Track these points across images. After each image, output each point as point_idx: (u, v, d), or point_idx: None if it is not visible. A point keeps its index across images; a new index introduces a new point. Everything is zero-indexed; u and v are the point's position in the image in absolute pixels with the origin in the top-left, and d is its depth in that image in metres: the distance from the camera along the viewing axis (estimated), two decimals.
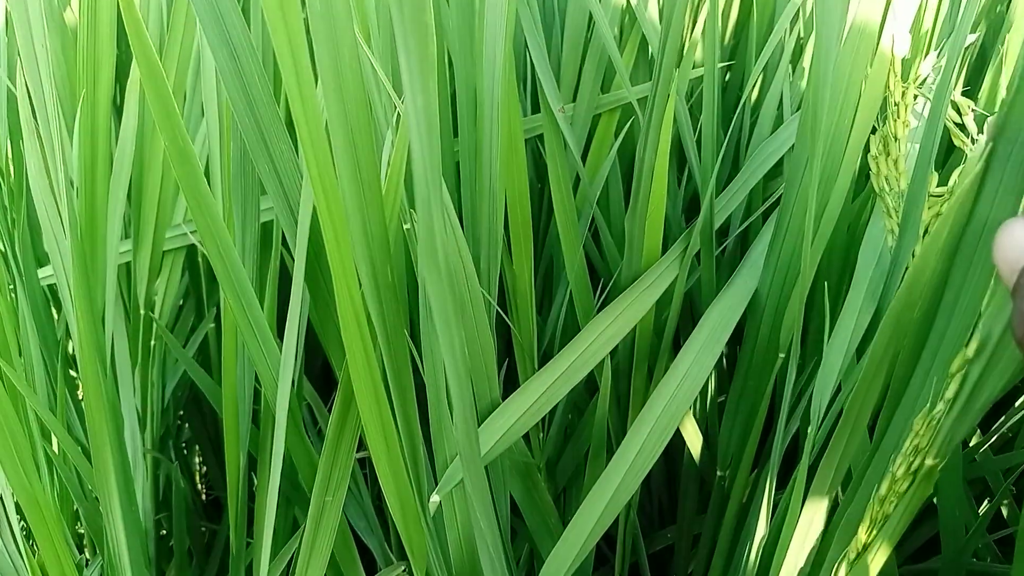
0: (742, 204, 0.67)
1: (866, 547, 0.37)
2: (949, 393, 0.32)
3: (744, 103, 0.75)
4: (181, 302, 0.80)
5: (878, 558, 0.37)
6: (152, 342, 0.70)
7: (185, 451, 0.96)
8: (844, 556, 0.38)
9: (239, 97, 0.39)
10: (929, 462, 0.33)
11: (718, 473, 0.61)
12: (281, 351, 0.41)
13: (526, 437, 0.66)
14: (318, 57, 0.31)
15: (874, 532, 0.36)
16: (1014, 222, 0.25)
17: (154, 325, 0.67)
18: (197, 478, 0.98)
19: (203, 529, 0.90)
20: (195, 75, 0.64)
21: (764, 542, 0.49)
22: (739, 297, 0.56)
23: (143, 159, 0.62)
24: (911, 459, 0.34)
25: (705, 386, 0.66)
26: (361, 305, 0.35)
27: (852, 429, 0.39)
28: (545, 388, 0.50)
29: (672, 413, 0.51)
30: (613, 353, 0.63)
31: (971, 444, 0.68)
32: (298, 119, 0.31)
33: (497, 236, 0.55)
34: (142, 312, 0.66)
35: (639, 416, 0.50)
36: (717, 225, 0.62)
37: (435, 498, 0.45)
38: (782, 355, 0.54)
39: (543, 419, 0.66)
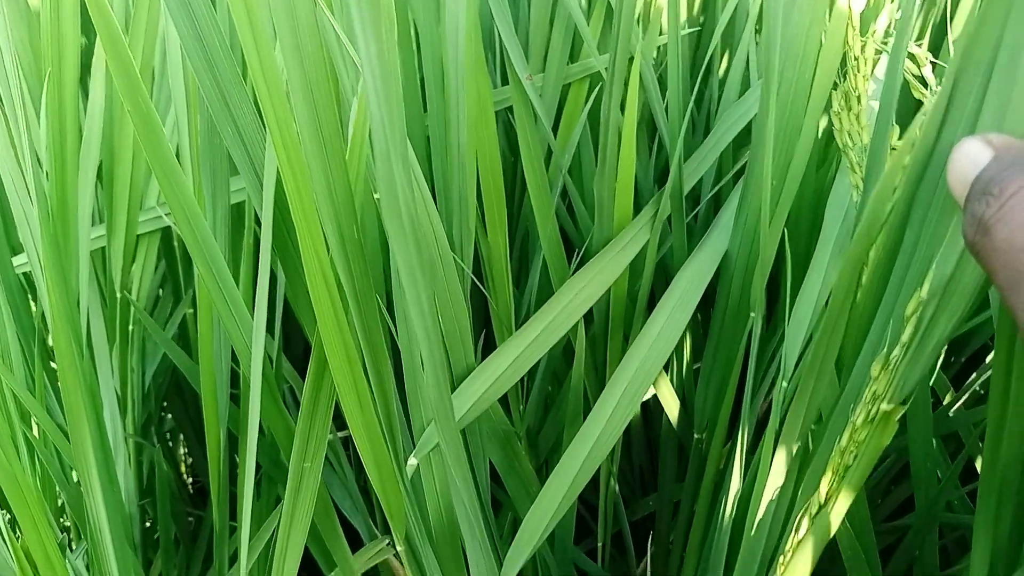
0: (712, 169, 0.68)
1: (828, 499, 0.37)
2: (905, 336, 0.32)
3: (713, 68, 0.75)
4: (160, 289, 0.80)
5: (838, 510, 0.37)
6: (131, 327, 0.70)
7: (170, 441, 0.96)
8: (806, 509, 0.38)
9: (203, 67, 0.39)
10: (886, 407, 0.34)
11: (695, 436, 0.62)
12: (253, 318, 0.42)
13: (507, 407, 0.66)
14: (274, 14, 0.31)
15: (835, 483, 0.37)
16: (966, 140, 0.26)
17: (131, 309, 0.67)
18: (183, 467, 0.99)
19: (190, 517, 0.90)
20: (162, 52, 0.64)
21: (738, 497, 0.50)
22: (709, 260, 0.57)
23: (113, 141, 0.62)
24: (870, 406, 0.34)
25: (682, 350, 0.67)
26: (328, 264, 0.35)
27: (816, 378, 0.39)
28: (519, 352, 0.51)
29: (645, 374, 0.51)
30: (589, 322, 0.64)
31: (945, 402, 0.69)
32: (256, 77, 0.31)
33: (468, 206, 0.55)
34: (118, 295, 0.66)
35: (612, 378, 0.51)
36: (687, 190, 0.63)
37: (412, 460, 0.46)
38: (753, 314, 0.55)
39: (523, 388, 0.67)
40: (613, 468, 0.65)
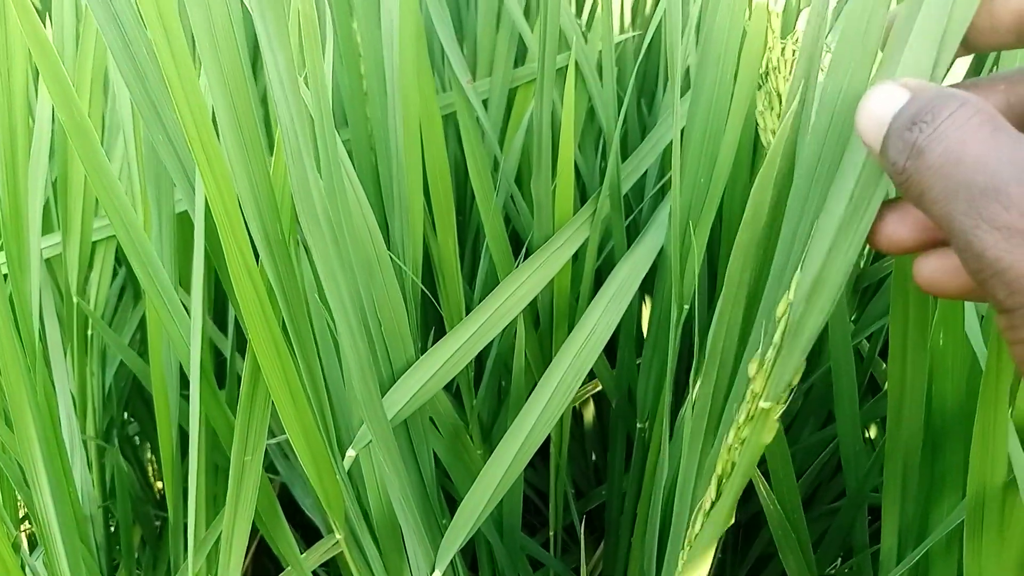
0: (657, 166, 0.70)
1: (719, 495, 0.38)
2: (776, 337, 0.33)
3: (660, 71, 0.77)
4: (122, 294, 0.81)
5: (726, 507, 0.38)
6: (89, 332, 0.71)
7: (137, 444, 0.97)
8: (700, 507, 0.39)
9: (133, 77, 0.41)
10: (764, 405, 0.34)
11: (639, 426, 0.64)
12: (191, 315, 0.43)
13: (459, 399, 0.68)
14: (192, 24, 0.33)
15: (725, 479, 0.38)
16: (881, 84, 0.28)
17: (89, 316, 0.68)
18: (150, 471, 1.00)
19: (157, 521, 0.91)
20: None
21: (666, 485, 0.51)
22: (646, 255, 0.59)
23: (67, 150, 0.63)
24: (750, 405, 0.35)
25: (627, 341, 0.69)
26: (252, 261, 0.37)
27: (718, 371, 0.40)
28: (458, 346, 0.52)
29: (580, 364, 0.53)
30: (537, 316, 0.66)
31: (885, 388, 0.71)
32: (171, 79, 0.33)
33: (412, 207, 0.57)
34: (75, 301, 0.67)
35: (548, 368, 0.53)
36: (627, 188, 0.65)
37: (351, 452, 0.47)
38: (686, 306, 0.57)
39: (474, 382, 0.68)
40: (561, 459, 0.67)
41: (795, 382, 0.35)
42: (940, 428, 0.44)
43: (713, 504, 0.37)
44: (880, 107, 0.27)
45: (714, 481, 0.37)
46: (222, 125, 0.35)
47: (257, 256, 0.39)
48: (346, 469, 0.47)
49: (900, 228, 0.30)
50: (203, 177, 0.35)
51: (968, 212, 0.24)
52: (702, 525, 0.38)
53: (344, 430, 0.50)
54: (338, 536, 0.46)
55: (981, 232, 0.23)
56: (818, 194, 0.32)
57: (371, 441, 0.47)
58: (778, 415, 0.34)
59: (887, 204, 0.31)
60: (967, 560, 0.40)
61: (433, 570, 0.47)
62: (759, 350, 0.33)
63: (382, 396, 0.49)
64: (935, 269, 0.30)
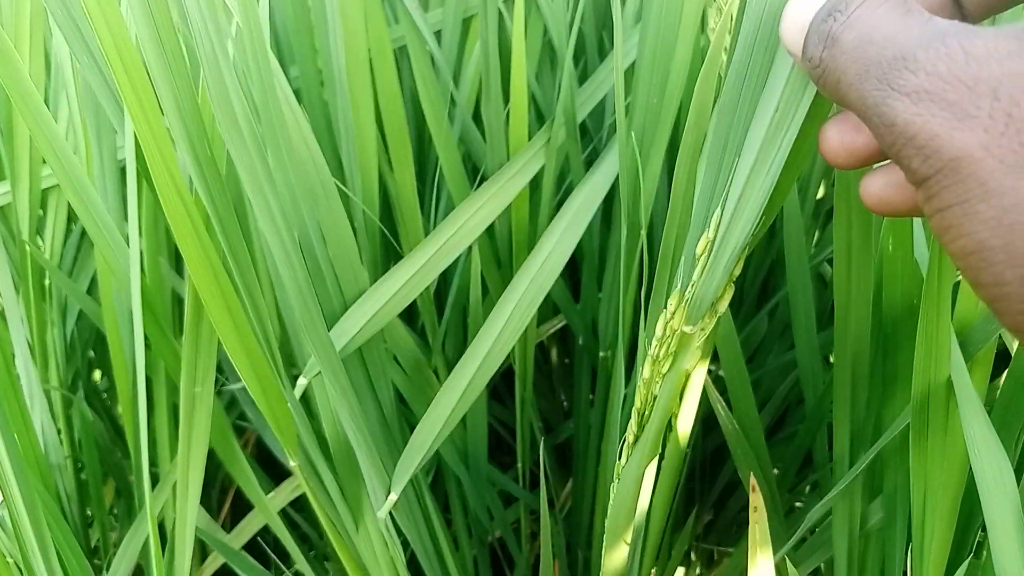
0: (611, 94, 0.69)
1: (642, 428, 0.38)
2: (695, 275, 0.33)
3: None
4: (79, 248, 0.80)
5: (650, 440, 0.38)
6: (47, 282, 0.70)
7: (106, 398, 0.97)
8: (624, 440, 0.39)
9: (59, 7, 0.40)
10: (688, 329, 0.34)
11: (601, 355, 0.64)
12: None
13: (423, 336, 0.68)
14: None
15: (647, 413, 0.38)
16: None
17: (42, 262, 0.67)
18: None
19: (130, 473, 0.91)
20: None
21: (623, 413, 0.51)
22: (603, 179, 0.58)
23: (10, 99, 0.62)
24: (668, 341, 0.34)
25: (590, 274, 0.69)
26: (180, 176, 0.36)
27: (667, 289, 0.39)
28: (410, 275, 0.52)
29: (538, 286, 0.53)
30: (496, 245, 0.65)
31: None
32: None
33: (363, 138, 0.56)
34: (28, 249, 0.66)
35: (507, 290, 0.52)
36: (584, 115, 0.64)
37: (302, 380, 0.47)
38: (644, 232, 0.56)
39: (437, 313, 0.68)
40: (526, 392, 0.66)
41: (722, 308, 0.34)
42: (891, 334, 0.44)
43: (636, 437, 0.37)
44: (800, 12, 0.27)
45: (634, 415, 0.37)
46: (144, 45, 0.34)
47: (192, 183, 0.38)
48: (298, 397, 0.46)
49: (849, 134, 0.30)
50: (125, 97, 0.34)
51: (879, 86, 0.24)
52: (627, 458, 0.38)
53: (298, 359, 0.49)
54: (292, 463, 0.46)
55: (892, 101, 0.23)
56: (747, 107, 0.32)
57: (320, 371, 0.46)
58: (700, 342, 0.34)
59: (834, 118, 0.30)
60: (913, 463, 0.40)
61: (389, 492, 0.47)
62: (678, 285, 0.33)
63: (334, 323, 0.48)
64: (883, 185, 0.30)
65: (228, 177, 0.39)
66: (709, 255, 0.32)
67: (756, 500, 0.36)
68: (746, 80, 0.31)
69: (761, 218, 0.31)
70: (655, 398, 0.36)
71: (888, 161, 0.30)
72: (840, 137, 0.29)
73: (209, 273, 0.38)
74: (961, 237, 0.22)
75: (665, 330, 0.34)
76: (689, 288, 0.32)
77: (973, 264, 0.23)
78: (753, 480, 0.37)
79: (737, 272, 0.33)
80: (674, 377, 0.35)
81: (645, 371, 0.35)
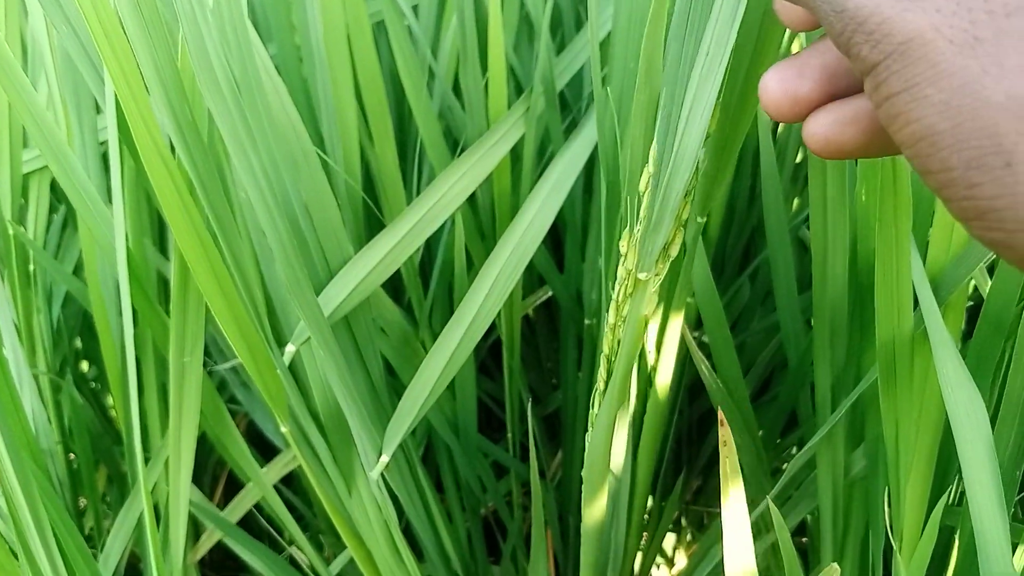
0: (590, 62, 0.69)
1: (609, 375, 0.38)
2: (643, 211, 0.33)
3: None
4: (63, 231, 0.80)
5: (617, 386, 0.38)
6: (31, 267, 0.70)
7: (98, 387, 0.97)
8: (595, 388, 0.40)
9: None
10: (641, 276, 0.34)
11: (586, 322, 0.64)
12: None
13: (411, 311, 0.68)
14: None
15: (614, 359, 0.38)
16: None
17: (26, 243, 0.67)
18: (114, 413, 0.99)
19: (122, 460, 0.92)
20: None
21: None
22: (583, 148, 0.59)
23: None
24: (625, 283, 0.35)
25: (574, 244, 0.69)
26: (161, 140, 0.36)
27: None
28: (394, 243, 0.52)
29: (520, 253, 0.54)
30: (479, 217, 0.66)
31: None
32: None
33: (339, 110, 0.56)
34: (11, 233, 0.66)
35: (489, 257, 0.53)
36: (563, 83, 0.64)
37: (290, 347, 0.47)
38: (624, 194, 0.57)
39: (423, 287, 0.69)
40: (514, 362, 0.67)
41: (673, 253, 0.34)
42: (866, 283, 0.44)
43: (606, 384, 0.38)
44: None
45: (603, 361, 0.37)
46: (122, 8, 0.35)
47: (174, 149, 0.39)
48: (287, 363, 0.47)
49: (792, 81, 0.29)
50: (106, 61, 0.34)
51: None
52: (599, 406, 0.39)
53: (286, 326, 0.50)
54: (283, 428, 0.46)
55: None
56: (689, 54, 0.32)
57: (309, 337, 0.47)
58: (655, 287, 0.34)
59: (775, 65, 0.30)
60: (884, 409, 0.41)
61: (380, 454, 0.48)
62: (627, 226, 0.33)
63: (319, 293, 0.49)
64: (828, 124, 0.28)
65: (210, 143, 0.39)
66: (654, 191, 0.32)
67: (725, 434, 0.37)
68: (688, 25, 0.31)
69: (706, 155, 0.31)
70: (619, 343, 0.37)
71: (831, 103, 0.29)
72: (782, 85, 0.28)
73: (194, 237, 0.39)
74: (910, 124, 0.22)
75: (623, 273, 0.34)
76: (637, 227, 0.33)
77: (922, 151, 0.22)
78: (721, 415, 0.37)
79: (686, 215, 0.33)
80: (635, 320, 0.35)
81: (610, 316, 0.36)
